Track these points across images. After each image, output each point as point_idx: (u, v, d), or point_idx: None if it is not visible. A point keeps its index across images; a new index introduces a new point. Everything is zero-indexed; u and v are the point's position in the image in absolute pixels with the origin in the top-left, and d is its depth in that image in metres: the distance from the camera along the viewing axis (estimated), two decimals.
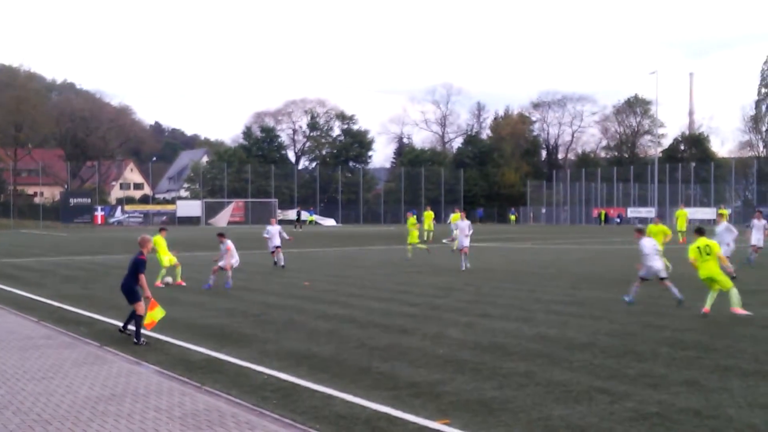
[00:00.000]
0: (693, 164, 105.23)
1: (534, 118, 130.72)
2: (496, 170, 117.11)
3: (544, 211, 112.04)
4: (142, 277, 13.98)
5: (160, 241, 23.95)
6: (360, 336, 14.13)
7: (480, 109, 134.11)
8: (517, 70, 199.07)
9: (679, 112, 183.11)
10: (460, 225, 29.41)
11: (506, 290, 21.73)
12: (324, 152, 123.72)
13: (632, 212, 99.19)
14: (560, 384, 10.36)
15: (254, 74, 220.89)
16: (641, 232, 19.72)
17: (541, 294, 20.57)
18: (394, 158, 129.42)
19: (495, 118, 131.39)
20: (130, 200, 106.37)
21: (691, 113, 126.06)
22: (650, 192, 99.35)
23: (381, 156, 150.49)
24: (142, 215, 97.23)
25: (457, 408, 9.21)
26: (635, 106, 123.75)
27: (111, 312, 17.48)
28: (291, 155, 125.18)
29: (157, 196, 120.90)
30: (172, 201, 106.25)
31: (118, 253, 38.15)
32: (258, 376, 11.05)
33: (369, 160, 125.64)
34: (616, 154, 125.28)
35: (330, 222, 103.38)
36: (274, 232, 30.27)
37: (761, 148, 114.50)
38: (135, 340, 13.55)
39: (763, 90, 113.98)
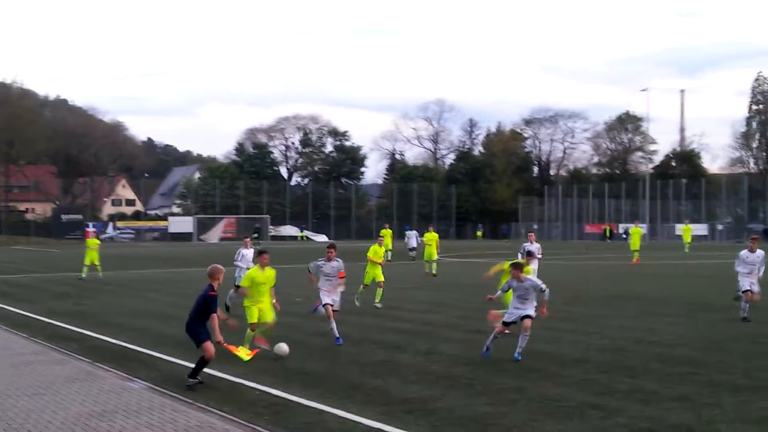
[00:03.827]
0: (684, 181, 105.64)
1: (526, 135, 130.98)
2: (488, 186, 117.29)
3: (536, 227, 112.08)
4: (215, 319, 11.76)
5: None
6: (352, 352, 14.12)
7: (472, 125, 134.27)
8: (509, 86, 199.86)
9: (670, 128, 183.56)
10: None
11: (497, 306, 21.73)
12: (316, 168, 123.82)
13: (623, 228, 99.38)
14: (552, 399, 10.37)
15: (247, 90, 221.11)
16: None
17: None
18: (386, 174, 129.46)
19: (487, 135, 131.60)
20: (122, 216, 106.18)
21: (682, 130, 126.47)
22: (642, 208, 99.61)
23: (373, 172, 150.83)
24: (133, 231, 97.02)
25: (450, 424, 9.21)
26: (627, 122, 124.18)
27: (102, 328, 17.44)
28: (283, 171, 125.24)
29: (149, 212, 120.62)
30: (164, 217, 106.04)
31: (110, 269, 38.01)
32: (251, 392, 11.03)
33: (361, 177, 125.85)
34: (608, 170, 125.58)
35: (322, 238, 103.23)
36: (248, 257, 21.25)
37: (752, 165, 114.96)
38: (189, 375, 11.59)
39: (754, 107, 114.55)
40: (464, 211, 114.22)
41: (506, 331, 13.77)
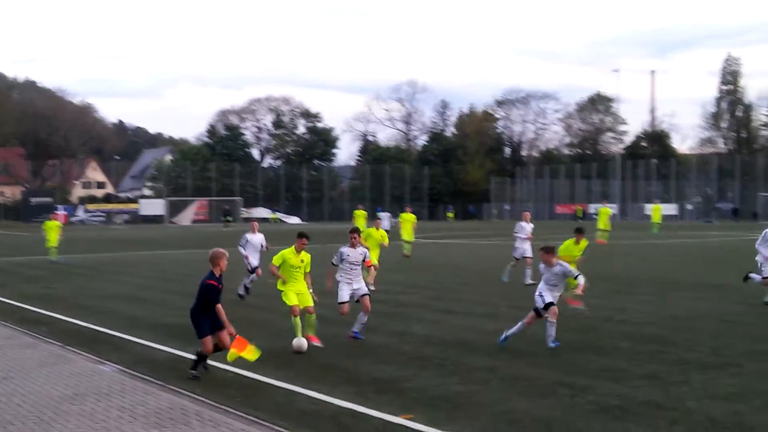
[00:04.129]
0: (654, 161, 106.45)
1: (498, 116, 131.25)
2: (460, 167, 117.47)
3: (508, 207, 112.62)
4: (220, 309, 10.79)
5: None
6: (325, 333, 14.12)
7: (444, 106, 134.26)
8: (481, 68, 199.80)
9: (640, 109, 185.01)
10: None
11: (471, 286, 21.85)
12: (289, 150, 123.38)
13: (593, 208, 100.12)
14: (523, 378, 10.47)
15: (219, 72, 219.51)
16: None
17: (506, 289, 20.71)
18: (358, 156, 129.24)
19: (459, 116, 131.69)
20: (92, 199, 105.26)
21: (652, 110, 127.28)
22: (612, 188, 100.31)
23: (346, 154, 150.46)
24: (104, 214, 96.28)
25: (421, 403, 9.27)
26: (598, 103, 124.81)
27: (73, 311, 17.34)
28: (256, 153, 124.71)
29: (119, 194, 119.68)
30: (135, 200, 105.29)
31: (80, 252, 37.76)
32: (222, 374, 11.03)
33: (334, 158, 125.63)
34: (579, 151, 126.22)
35: (295, 220, 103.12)
36: (255, 243, 20.06)
37: (721, 145, 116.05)
38: (190, 368, 10.83)
39: (723, 87, 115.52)
40: (437, 192, 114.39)
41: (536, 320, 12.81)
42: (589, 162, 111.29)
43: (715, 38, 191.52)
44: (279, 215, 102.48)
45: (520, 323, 12.81)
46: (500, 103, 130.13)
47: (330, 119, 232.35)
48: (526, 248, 22.76)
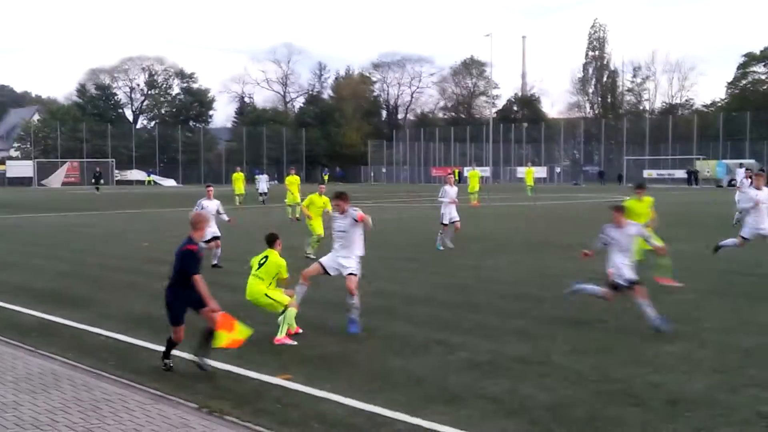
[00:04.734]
0: (525, 125, 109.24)
1: (374, 79, 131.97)
2: (337, 130, 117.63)
3: (384, 170, 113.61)
4: (198, 280, 8.95)
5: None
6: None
7: (321, 69, 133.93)
8: (357, 30, 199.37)
9: (513, 74, 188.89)
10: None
11: None
12: (163, 111, 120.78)
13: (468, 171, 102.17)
14: (399, 337, 10.67)
15: (88, 27, 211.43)
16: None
17: (383, 251, 20.95)
18: (235, 118, 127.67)
19: (336, 78, 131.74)
20: None
21: (523, 75, 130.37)
22: (485, 152, 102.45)
23: (222, 115, 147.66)
24: None
25: (299, 364, 9.35)
26: (471, 67, 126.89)
27: None
28: (129, 114, 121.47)
29: None
30: (2, 161, 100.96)
31: None
32: (95, 339, 10.82)
33: (210, 120, 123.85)
34: (454, 114, 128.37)
35: (170, 182, 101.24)
36: (211, 210, 18.00)
37: (588, 110, 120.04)
38: (162, 357, 9.34)
39: (591, 53, 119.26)
40: (315, 154, 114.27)
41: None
42: (463, 125, 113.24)
43: (584, 4, 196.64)
44: (154, 178, 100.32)
45: (597, 289, 11.58)
46: (376, 66, 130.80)
47: (205, 80, 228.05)
48: (453, 212, 21.97)
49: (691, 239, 22.94)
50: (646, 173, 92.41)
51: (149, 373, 8.97)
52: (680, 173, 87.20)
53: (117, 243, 24.15)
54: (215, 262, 17.73)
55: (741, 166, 65.21)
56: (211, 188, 18.99)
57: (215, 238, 17.70)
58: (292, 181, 34.99)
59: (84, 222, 33.26)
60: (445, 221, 21.92)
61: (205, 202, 18.10)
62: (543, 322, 11.57)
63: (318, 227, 19.73)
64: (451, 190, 22.28)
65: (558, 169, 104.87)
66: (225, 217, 18.60)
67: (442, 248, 21.35)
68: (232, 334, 8.97)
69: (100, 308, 12.99)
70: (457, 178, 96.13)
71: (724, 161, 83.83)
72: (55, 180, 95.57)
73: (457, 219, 22.05)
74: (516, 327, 11.23)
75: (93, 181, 76.81)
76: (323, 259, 11.80)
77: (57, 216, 37.55)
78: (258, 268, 11.05)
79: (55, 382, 8.52)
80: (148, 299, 13.71)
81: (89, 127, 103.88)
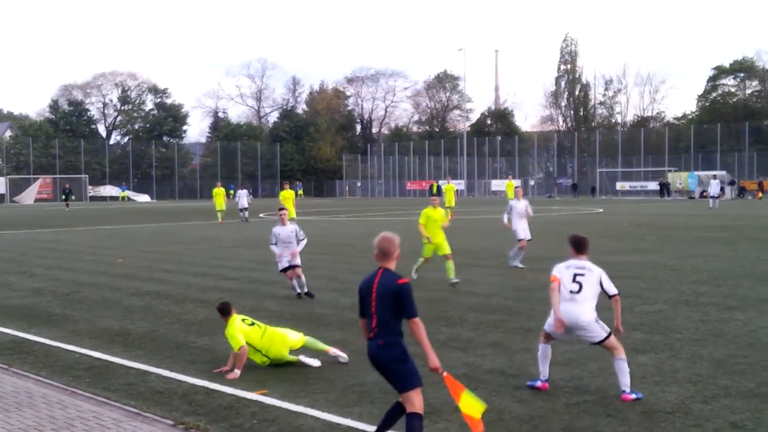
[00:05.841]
0: (499, 138, 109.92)
1: (348, 93, 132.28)
2: (312, 144, 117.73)
3: (359, 184, 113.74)
4: (419, 324, 6.88)
5: None
6: (176, 311, 13.97)
7: (295, 83, 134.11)
8: (331, 45, 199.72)
9: (486, 87, 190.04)
10: None
11: (323, 262, 21.98)
12: (137, 126, 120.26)
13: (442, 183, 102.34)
14: None
15: (61, 43, 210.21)
16: None
17: (357, 265, 20.96)
18: (209, 133, 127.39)
19: (310, 93, 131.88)
20: None
21: (496, 89, 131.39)
22: (460, 165, 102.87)
23: (196, 130, 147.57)
24: None
25: (274, 379, 9.34)
26: (445, 81, 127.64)
27: None
28: (102, 130, 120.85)
29: None
30: None
31: None
32: (69, 356, 10.74)
33: (184, 135, 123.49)
34: (428, 128, 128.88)
35: (144, 198, 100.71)
36: (287, 238, 15.69)
37: (561, 123, 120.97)
38: None
39: (562, 67, 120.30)
40: (289, 169, 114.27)
41: None
42: (437, 139, 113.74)
43: (556, 18, 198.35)
44: (128, 193, 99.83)
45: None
46: (350, 81, 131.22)
47: (179, 95, 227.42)
48: (525, 227, 20.22)
49: (662, 250, 23.16)
50: (619, 185, 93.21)
51: (124, 390, 8.92)
52: (653, 185, 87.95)
53: (90, 259, 23.99)
54: (299, 290, 15.52)
55: (715, 177, 65.89)
56: (285, 212, 16.45)
57: (293, 266, 15.56)
58: (287, 196, 35.01)
59: (56, 239, 33.02)
60: (520, 237, 20.08)
61: (277, 230, 15.85)
62: (517, 334, 11.62)
63: (443, 245, 17.55)
64: (520, 204, 20.36)
65: (532, 182, 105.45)
66: (303, 244, 15.91)
67: (514, 264, 19.90)
68: (468, 406, 6.64)
69: (74, 325, 12.91)
70: (435, 191, 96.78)
71: (696, 173, 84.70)
72: (28, 197, 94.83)
73: (528, 237, 20.24)
74: (491, 339, 11.28)
75: (63, 197, 76.10)
76: None
77: (29, 233, 37.26)
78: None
79: (29, 401, 8.46)
80: (122, 315, 13.66)
81: (62, 143, 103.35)
